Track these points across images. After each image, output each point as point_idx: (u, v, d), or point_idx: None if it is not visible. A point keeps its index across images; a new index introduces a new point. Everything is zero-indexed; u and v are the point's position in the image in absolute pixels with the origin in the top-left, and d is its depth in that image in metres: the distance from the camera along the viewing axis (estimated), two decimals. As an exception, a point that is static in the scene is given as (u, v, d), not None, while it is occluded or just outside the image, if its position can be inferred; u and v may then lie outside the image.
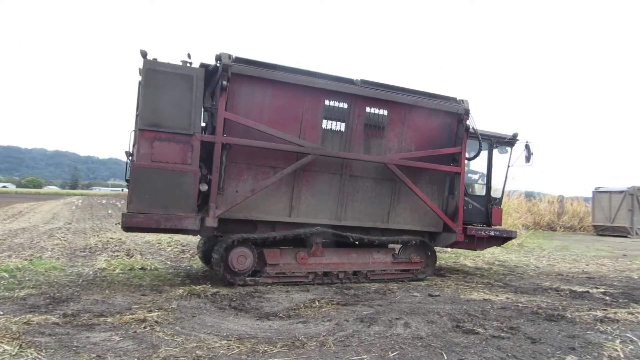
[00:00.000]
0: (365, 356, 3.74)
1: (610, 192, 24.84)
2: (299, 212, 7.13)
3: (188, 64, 6.45)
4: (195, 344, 3.93)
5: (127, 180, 6.55)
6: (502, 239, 8.76)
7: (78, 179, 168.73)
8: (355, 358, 3.70)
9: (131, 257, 9.35)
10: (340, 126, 7.30)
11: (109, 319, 4.61)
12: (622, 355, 3.97)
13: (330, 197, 7.30)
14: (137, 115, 6.57)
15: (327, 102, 7.15)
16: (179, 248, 11.44)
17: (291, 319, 4.92)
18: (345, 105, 7.27)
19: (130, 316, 4.70)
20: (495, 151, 8.95)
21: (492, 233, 8.48)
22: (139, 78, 6.69)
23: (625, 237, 23.08)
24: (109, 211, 32.89)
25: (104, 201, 54.14)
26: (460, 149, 7.97)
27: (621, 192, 24.28)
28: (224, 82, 6.34)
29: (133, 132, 6.58)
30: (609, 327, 4.90)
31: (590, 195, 26.78)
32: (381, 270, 7.58)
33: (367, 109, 7.42)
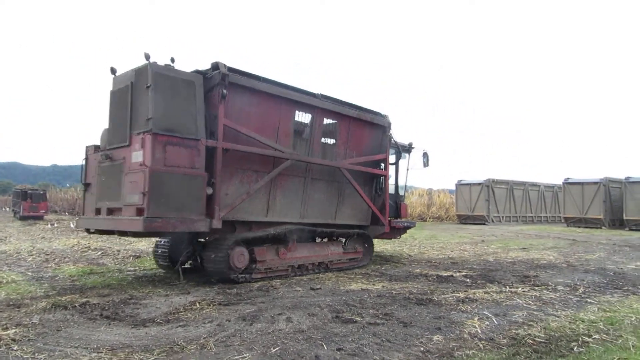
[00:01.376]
0: (247, 354, 3.72)
1: (470, 184, 27.50)
2: (274, 212, 7.75)
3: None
4: (60, 360, 3.59)
5: (85, 184, 7.06)
6: (408, 228, 10.77)
7: None
8: (237, 357, 3.66)
9: (-18, 269, 8.28)
10: (306, 134, 8.18)
11: (-46, 342, 4.03)
12: (479, 331, 4.42)
13: (297, 198, 8.10)
14: (131, 119, 6.44)
15: (297, 112, 7.97)
16: (42, 257, 10.38)
17: (170, 323, 4.71)
18: (310, 116, 8.17)
19: (-19, 336, 4.15)
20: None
21: (405, 224, 10.49)
22: (128, 81, 6.57)
23: (484, 224, 25.74)
24: (-45, 219, 28.78)
25: (-52, 208, 47.21)
26: (385, 155, 9.61)
27: (479, 184, 27.02)
28: (224, 91, 6.68)
29: (134, 136, 6.33)
30: (469, 307, 5.43)
31: (454, 187, 29.44)
32: (337, 259, 8.60)
33: (325, 120, 8.48)
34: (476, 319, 4.87)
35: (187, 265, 7.86)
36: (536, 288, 6.70)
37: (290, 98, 7.68)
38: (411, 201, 31.60)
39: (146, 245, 13.14)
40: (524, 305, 5.59)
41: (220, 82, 6.65)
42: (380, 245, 13.14)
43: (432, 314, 5.09)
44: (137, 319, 4.87)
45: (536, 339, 4.21)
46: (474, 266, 9.19)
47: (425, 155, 10.57)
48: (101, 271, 8.29)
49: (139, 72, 6.42)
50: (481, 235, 18.16)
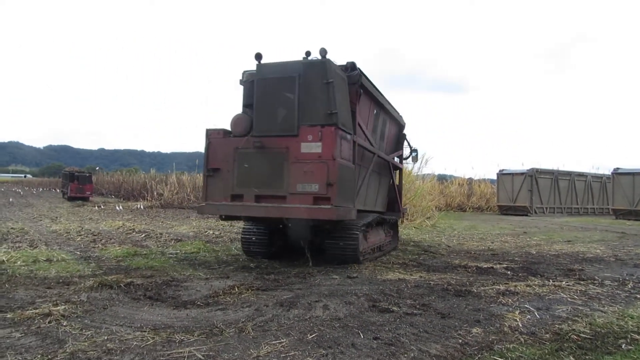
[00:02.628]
0: (284, 340, 3.77)
1: (512, 174, 26.81)
2: (365, 203, 8.46)
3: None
4: (106, 337, 3.74)
5: (211, 169, 7.07)
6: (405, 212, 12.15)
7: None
8: (274, 342, 3.71)
9: (35, 247, 8.71)
10: (378, 131, 9.06)
11: (9, 315, 4.26)
12: (520, 325, 4.31)
13: (372, 190, 8.98)
14: (299, 110, 6.70)
15: (375, 111, 8.62)
16: (89, 237, 10.82)
17: (210, 306, 4.83)
18: (380, 115, 9.01)
19: (34, 311, 4.37)
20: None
21: (406, 210, 12.70)
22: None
23: (526, 215, 25.09)
24: (10, 199, 30.35)
25: (2, 189, 49.87)
26: (402, 151, 10.97)
27: (522, 174, 26.29)
28: (361, 90, 7.39)
29: (305, 127, 6.63)
30: (509, 300, 5.30)
31: (495, 177, 28.73)
32: (386, 242, 9.44)
33: (383, 117, 9.25)
34: (517, 312, 4.75)
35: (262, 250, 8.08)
36: (581, 282, 6.47)
37: (375, 95, 8.33)
38: (450, 191, 31.10)
39: (187, 229, 13.49)
40: (569, 299, 5.41)
41: (358, 81, 7.21)
42: (419, 235, 13.02)
43: (471, 306, 5.00)
44: (179, 301, 5.01)
45: (581, 334, 4.07)
46: (516, 258, 8.97)
47: (415, 151, 11.69)
48: (145, 253, 8.56)
49: (311, 65, 6.75)
50: (523, 226, 17.69)
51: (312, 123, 6.58)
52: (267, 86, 6.92)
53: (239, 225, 14.72)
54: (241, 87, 7.52)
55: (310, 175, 6.51)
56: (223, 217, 7.44)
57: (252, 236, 7.90)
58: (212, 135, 7.16)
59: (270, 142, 6.78)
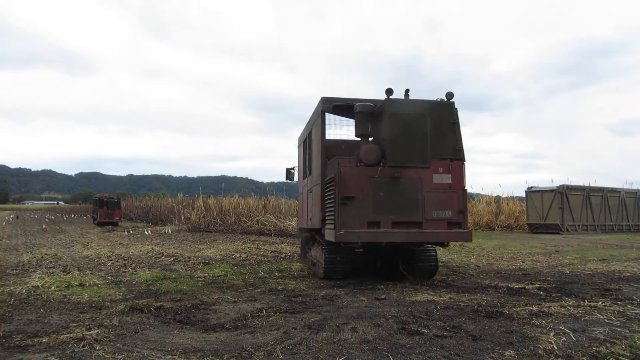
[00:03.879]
0: (314, 363, 3.75)
1: (542, 191, 26.20)
2: None
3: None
4: (138, 361, 3.79)
5: (345, 197, 7.29)
6: None
7: (8, 192, 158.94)
8: (303, 365, 3.70)
9: (68, 273, 8.91)
10: None
11: (44, 339, 4.37)
12: (555, 347, 4.20)
13: None
14: (430, 145, 7.52)
15: None
16: (120, 262, 11.02)
17: (238, 329, 4.85)
18: None
19: (68, 335, 4.48)
20: None
21: None
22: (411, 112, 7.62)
23: (557, 233, 24.43)
24: (44, 226, 31.20)
25: (36, 216, 51.32)
26: None
27: (552, 190, 25.67)
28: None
29: (436, 161, 7.52)
30: (543, 321, 5.16)
31: (524, 195, 28.15)
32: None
33: None
34: (552, 334, 4.62)
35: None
36: (619, 302, 6.26)
37: None
38: (478, 209, 30.63)
39: (214, 253, 13.60)
40: (605, 320, 5.24)
41: (455, 109, 7.81)
42: (447, 255, 12.81)
43: (503, 327, 4.89)
44: (208, 324, 5.04)
45: (620, 357, 3.93)
46: (548, 278, 8.74)
47: None
48: (173, 277, 8.67)
49: (440, 105, 7.70)
50: (555, 245, 17.24)
51: (442, 157, 7.55)
52: (400, 120, 7.53)
53: (265, 248, 14.77)
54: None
55: (444, 204, 7.43)
56: (359, 244, 7.50)
57: (337, 256, 8.08)
58: (343, 164, 7.39)
59: (405, 172, 7.42)
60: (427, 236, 7.40)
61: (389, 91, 7.55)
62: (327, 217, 7.84)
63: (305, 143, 10.17)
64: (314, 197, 8.83)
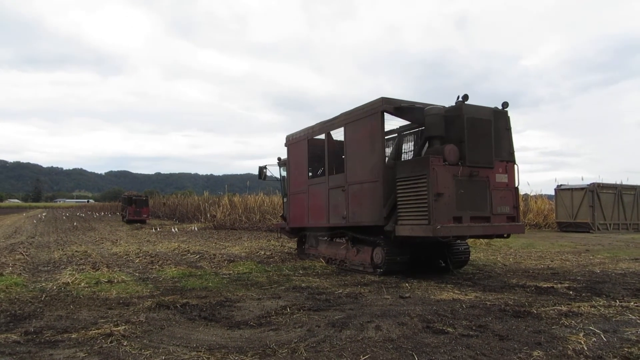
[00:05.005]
0: (337, 361, 3.73)
1: (572, 189, 25.57)
2: None
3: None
4: (164, 357, 3.84)
5: (437, 194, 7.66)
6: None
7: (41, 191, 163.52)
8: (327, 363, 3.69)
9: (97, 270, 9.12)
10: None
11: (74, 335, 4.47)
12: (585, 348, 4.08)
13: None
14: (495, 148, 8.28)
15: None
16: (147, 259, 11.21)
17: (262, 326, 4.87)
18: None
19: (96, 331, 4.57)
20: None
21: None
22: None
23: (588, 232, 23.81)
24: (74, 223, 32.01)
25: (67, 214, 52.68)
26: None
27: (582, 189, 25.03)
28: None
29: (497, 162, 8.31)
30: (573, 321, 5.03)
31: (553, 193, 27.53)
32: None
33: None
34: (581, 334, 4.50)
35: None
36: (652, 303, 6.05)
37: None
38: (505, 207, 30.03)
39: (239, 250, 13.72)
40: (638, 321, 5.07)
41: (508, 117, 8.63)
42: (473, 253, 12.62)
43: (531, 327, 4.79)
44: (232, 321, 5.08)
45: (653, 360, 3.80)
46: (578, 277, 8.52)
47: None
48: (199, 274, 8.78)
49: (499, 113, 8.46)
50: (585, 244, 16.81)
51: (501, 159, 8.39)
52: (475, 124, 8.12)
53: (290, 245, 14.83)
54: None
55: (504, 200, 8.33)
56: (450, 237, 7.99)
57: (397, 257, 8.66)
58: (435, 162, 7.72)
59: (478, 171, 8.07)
60: (495, 229, 8.25)
61: (465, 97, 8.15)
62: (402, 213, 8.13)
63: (327, 142, 10.22)
64: (361, 194, 9.03)
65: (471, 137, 8.02)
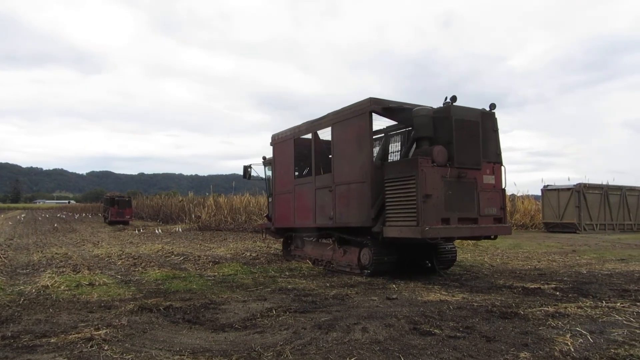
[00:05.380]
0: (323, 364, 3.72)
1: (558, 189, 25.88)
2: None
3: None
4: (146, 361, 3.79)
5: (426, 196, 7.71)
6: None
7: (20, 191, 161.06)
8: (313, 366, 3.67)
9: (78, 272, 9.00)
10: None
11: (53, 340, 4.39)
12: (572, 349, 4.13)
13: None
14: (482, 149, 8.37)
15: None
16: (130, 261, 11.10)
17: (247, 329, 4.84)
18: None
19: (76, 335, 4.50)
20: None
21: None
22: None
23: (574, 232, 24.14)
24: (55, 225, 31.57)
25: (47, 215, 51.94)
26: None
27: (569, 189, 25.35)
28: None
29: (485, 163, 8.38)
30: (559, 322, 5.08)
31: (539, 193, 27.84)
32: None
33: None
34: (568, 335, 4.55)
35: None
36: (638, 303, 6.14)
37: None
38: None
39: (224, 251, 13.64)
40: (624, 322, 5.14)
41: (495, 118, 8.72)
42: (460, 254, 12.71)
43: (518, 328, 4.83)
44: (217, 324, 5.05)
45: (639, 360, 3.85)
46: (565, 278, 8.63)
47: None
48: (183, 276, 8.71)
49: (487, 115, 8.54)
50: (572, 244, 17.04)
51: (489, 160, 8.48)
52: (463, 126, 8.18)
53: (276, 246, 14.78)
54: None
55: (491, 201, 8.42)
56: (439, 239, 8.06)
57: (384, 257, 8.67)
58: (423, 164, 7.74)
59: (466, 173, 8.13)
60: (482, 231, 8.34)
61: (454, 98, 8.21)
62: (390, 215, 8.13)
63: (314, 142, 10.21)
64: (349, 194, 9.02)
65: (459, 138, 8.10)
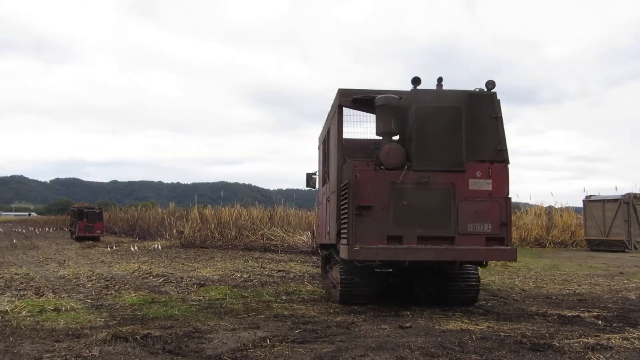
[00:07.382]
0: (325, 401, 3.80)
1: (603, 200, 25.78)
2: None
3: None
4: (121, 397, 3.88)
5: (361, 207, 7.20)
6: None
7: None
8: (312, 404, 3.75)
9: (41, 296, 9.10)
10: None
11: (14, 372, 4.48)
12: (613, 386, 4.19)
13: None
14: (466, 145, 7.34)
15: None
16: (101, 283, 11.20)
17: (238, 361, 4.92)
18: None
19: (41, 367, 4.59)
20: None
21: None
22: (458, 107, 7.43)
23: (623, 251, 24.05)
24: (13, 241, 31.74)
25: (3, 230, 52.14)
26: None
27: (616, 200, 25.26)
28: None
29: (473, 163, 7.33)
30: (601, 356, 5.13)
31: (581, 205, 27.76)
32: None
33: None
34: (609, 370, 4.61)
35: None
36: (692, 334, 6.20)
37: None
38: (524, 222, 30.35)
39: (211, 272, 13.73)
40: (676, 355, 5.20)
41: (497, 101, 7.62)
42: (486, 277, 12.76)
43: (551, 362, 4.89)
44: (202, 355, 5.12)
45: (690, 399, 3.91)
46: (609, 305, 8.67)
47: None
48: (163, 300, 8.80)
49: (478, 97, 7.53)
50: (619, 265, 17.04)
51: (481, 159, 7.35)
52: (429, 115, 7.37)
53: (271, 267, 14.86)
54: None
55: (482, 214, 7.23)
56: (378, 262, 7.44)
57: (356, 277, 7.91)
58: (359, 167, 7.28)
59: (434, 177, 7.27)
60: (460, 254, 7.25)
61: (416, 80, 7.48)
62: (342, 231, 7.76)
63: (325, 143, 9.97)
64: (331, 207, 8.81)
65: (422, 132, 7.38)
